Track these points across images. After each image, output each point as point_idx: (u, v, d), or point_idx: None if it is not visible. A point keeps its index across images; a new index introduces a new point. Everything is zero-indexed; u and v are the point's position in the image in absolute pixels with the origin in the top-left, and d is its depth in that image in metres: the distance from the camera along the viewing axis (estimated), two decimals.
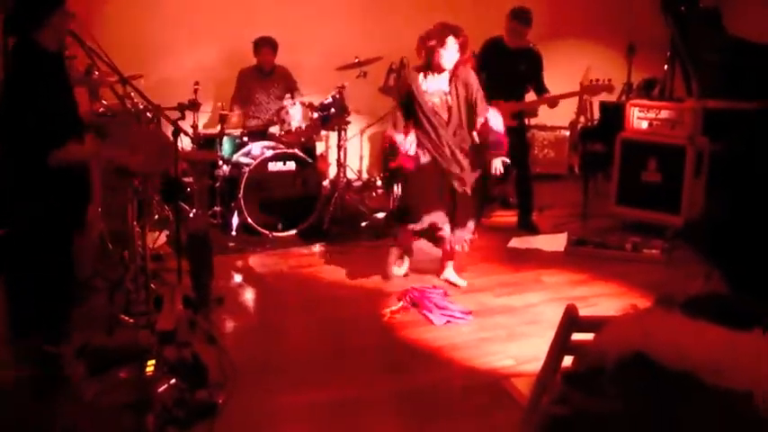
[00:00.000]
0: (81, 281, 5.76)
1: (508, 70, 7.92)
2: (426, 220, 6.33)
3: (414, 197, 6.42)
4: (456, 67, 6.32)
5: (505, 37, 8.08)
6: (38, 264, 4.39)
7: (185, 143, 7.75)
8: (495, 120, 6.37)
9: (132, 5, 9.20)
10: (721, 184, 1.54)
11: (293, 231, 7.87)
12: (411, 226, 6.43)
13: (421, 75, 6.35)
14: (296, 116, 8.11)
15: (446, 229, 6.36)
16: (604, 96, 9.02)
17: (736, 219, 1.43)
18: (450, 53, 6.23)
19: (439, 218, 6.33)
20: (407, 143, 6.28)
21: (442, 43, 6.22)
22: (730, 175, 1.51)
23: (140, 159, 4.77)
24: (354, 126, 9.25)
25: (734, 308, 1.35)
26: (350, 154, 9.37)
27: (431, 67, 6.32)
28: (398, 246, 7.04)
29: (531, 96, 8.31)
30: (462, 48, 6.28)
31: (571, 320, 2.64)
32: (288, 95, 8.72)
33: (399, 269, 6.93)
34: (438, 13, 10.12)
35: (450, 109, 6.33)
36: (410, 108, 6.36)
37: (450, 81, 6.33)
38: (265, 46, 8.83)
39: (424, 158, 6.31)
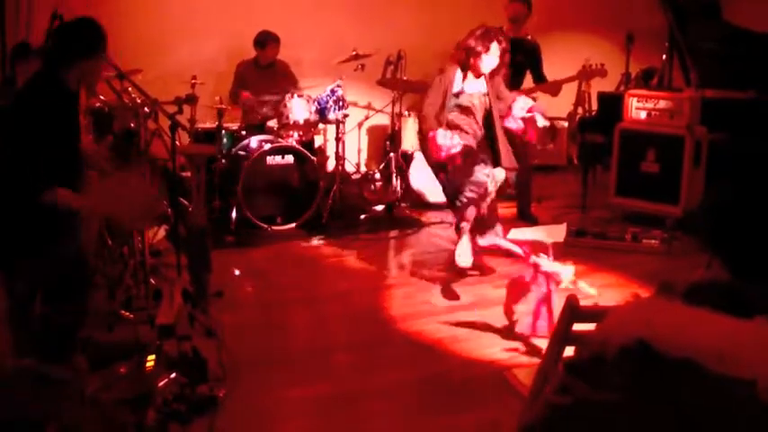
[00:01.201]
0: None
1: None
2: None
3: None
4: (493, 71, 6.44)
5: (505, 26, 8.09)
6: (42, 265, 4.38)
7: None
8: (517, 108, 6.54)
9: (130, 0, 9.20)
10: (722, 172, 1.54)
11: (292, 225, 7.85)
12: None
13: (460, 74, 6.44)
14: (295, 110, 8.09)
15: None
16: (602, 86, 9.02)
17: (736, 207, 1.43)
18: (491, 59, 6.28)
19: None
20: (450, 139, 6.26)
21: (486, 48, 6.25)
22: (731, 163, 1.51)
23: (127, 216, 4.79)
24: (352, 119, 9.24)
25: (735, 295, 1.35)
26: (348, 147, 9.36)
27: (469, 68, 6.35)
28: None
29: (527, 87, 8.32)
30: (503, 53, 6.36)
31: (572, 311, 2.64)
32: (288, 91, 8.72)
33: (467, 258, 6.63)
34: (435, 6, 10.15)
35: (486, 110, 6.44)
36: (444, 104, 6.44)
37: (487, 83, 6.46)
38: (272, 41, 8.78)
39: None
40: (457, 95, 6.41)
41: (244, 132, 8.33)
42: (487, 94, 6.46)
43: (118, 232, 5.19)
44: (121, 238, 6.12)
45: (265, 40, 8.77)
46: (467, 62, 6.37)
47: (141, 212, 4.93)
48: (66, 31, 4.56)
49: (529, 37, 8.22)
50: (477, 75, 6.42)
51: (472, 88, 6.44)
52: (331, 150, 9.44)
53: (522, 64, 8.10)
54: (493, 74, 6.47)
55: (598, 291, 6.11)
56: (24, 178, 4.14)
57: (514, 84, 8.08)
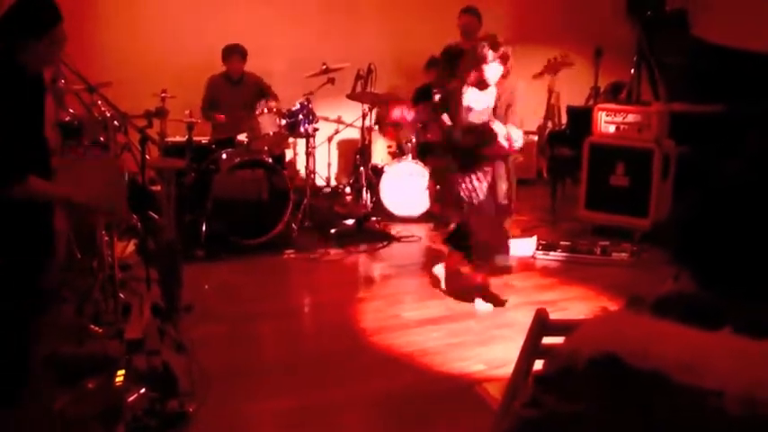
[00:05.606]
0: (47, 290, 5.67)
1: None
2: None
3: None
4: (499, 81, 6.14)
5: (458, 39, 8.15)
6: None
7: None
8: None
9: (100, 13, 9.16)
10: (689, 185, 1.55)
11: (262, 239, 7.82)
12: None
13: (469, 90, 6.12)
14: (265, 123, 8.08)
15: None
16: (572, 100, 9.06)
17: (704, 219, 1.44)
18: (493, 68, 5.99)
19: None
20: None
21: (488, 57, 5.98)
22: (698, 176, 1.52)
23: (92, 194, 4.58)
24: (322, 133, 9.24)
25: (703, 307, 1.35)
26: (318, 161, 9.36)
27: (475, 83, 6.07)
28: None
29: None
30: (503, 60, 6.01)
31: (542, 324, 2.64)
32: (263, 102, 8.69)
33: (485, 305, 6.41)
34: (404, 20, 10.18)
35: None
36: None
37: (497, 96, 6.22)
38: (234, 53, 8.82)
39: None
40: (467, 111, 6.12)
41: (214, 146, 8.31)
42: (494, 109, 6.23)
43: (85, 221, 4.94)
44: (91, 251, 6.08)
45: (227, 52, 8.81)
46: (469, 77, 6.05)
47: (109, 201, 4.80)
48: (11, 11, 3.98)
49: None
50: (484, 87, 6.09)
51: (482, 104, 6.15)
52: (301, 164, 9.45)
53: None
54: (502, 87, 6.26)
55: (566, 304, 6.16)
56: None
57: None
